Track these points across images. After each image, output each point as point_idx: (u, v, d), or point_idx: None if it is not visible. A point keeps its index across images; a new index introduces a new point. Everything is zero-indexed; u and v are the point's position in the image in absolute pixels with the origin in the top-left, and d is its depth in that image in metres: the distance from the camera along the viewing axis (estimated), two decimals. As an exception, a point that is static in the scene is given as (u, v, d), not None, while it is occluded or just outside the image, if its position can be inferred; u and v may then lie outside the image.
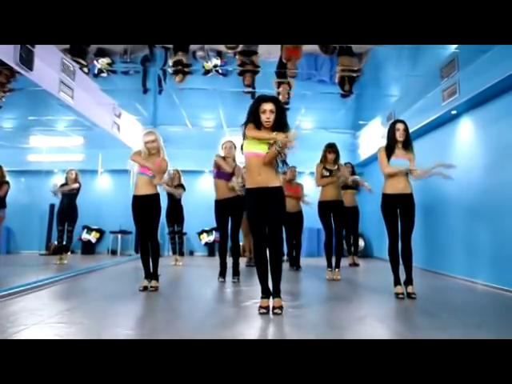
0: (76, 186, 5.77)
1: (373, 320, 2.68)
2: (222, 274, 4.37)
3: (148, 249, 3.66)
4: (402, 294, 3.33)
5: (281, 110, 2.75)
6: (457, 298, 3.66)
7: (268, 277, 2.81)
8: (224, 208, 4.27)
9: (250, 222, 2.87)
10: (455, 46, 4.46)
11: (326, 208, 4.66)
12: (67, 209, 5.73)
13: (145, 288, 3.56)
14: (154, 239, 3.70)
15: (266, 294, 2.79)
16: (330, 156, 4.63)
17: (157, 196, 3.66)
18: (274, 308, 2.72)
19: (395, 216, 3.42)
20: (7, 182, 4.98)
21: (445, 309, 3.04)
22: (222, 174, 4.29)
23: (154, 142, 3.62)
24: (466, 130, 4.70)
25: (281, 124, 2.73)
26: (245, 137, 2.78)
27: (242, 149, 2.82)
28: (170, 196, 5.92)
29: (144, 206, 3.60)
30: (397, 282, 3.40)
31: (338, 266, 4.55)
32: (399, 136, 3.47)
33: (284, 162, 2.79)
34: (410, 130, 5.56)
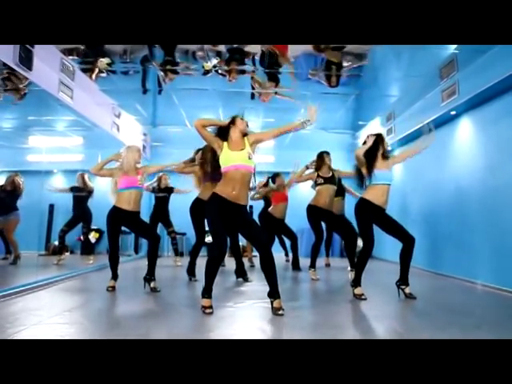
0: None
1: (372, 320, 2.68)
2: (193, 273, 4.41)
3: (117, 253, 3.78)
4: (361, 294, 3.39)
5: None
6: (456, 299, 3.66)
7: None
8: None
9: (214, 226, 2.81)
10: (454, 46, 4.47)
11: (316, 213, 4.66)
12: (83, 212, 5.79)
13: (112, 288, 3.63)
14: (156, 244, 3.74)
15: (209, 294, 2.81)
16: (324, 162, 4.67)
17: (140, 212, 3.82)
18: (277, 309, 2.71)
19: (371, 223, 3.44)
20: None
21: (443, 309, 3.04)
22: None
23: (139, 155, 3.85)
24: (466, 130, 4.70)
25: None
26: (220, 149, 2.89)
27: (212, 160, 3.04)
28: (158, 199, 6.02)
29: (129, 222, 3.74)
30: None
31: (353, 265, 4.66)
32: (387, 145, 3.57)
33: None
34: (410, 131, 5.64)
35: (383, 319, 2.73)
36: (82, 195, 5.78)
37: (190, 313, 2.80)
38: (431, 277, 4.95)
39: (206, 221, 4.26)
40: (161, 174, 6.04)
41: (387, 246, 6.09)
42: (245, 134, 2.92)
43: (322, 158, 4.73)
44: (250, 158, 2.80)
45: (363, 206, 3.42)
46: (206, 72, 7.09)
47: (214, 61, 6.92)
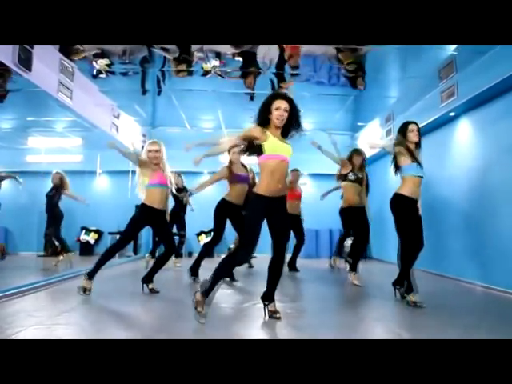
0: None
1: (371, 321, 2.68)
2: (196, 273, 4.38)
3: (117, 252, 3.68)
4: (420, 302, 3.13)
5: (296, 111, 2.59)
6: (456, 300, 3.67)
7: None
8: (231, 211, 4.27)
9: (252, 228, 2.53)
10: (453, 47, 4.49)
11: (350, 214, 4.59)
12: (53, 212, 5.66)
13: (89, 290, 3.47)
14: (174, 245, 3.72)
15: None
16: (357, 160, 4.62)
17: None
18: (273, 312, 2.65)
19: (416, 219, 3.25)
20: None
21: (443, 310, 3.05)
22: (242, 178, 4.28)
23: (158, 152, 3.56)
24: (464, 131, 4.72)
25: (295, 123, 2.60)
26: (264, 138, 2.53)
27: (247, 150, 2.64)
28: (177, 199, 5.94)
29: (157, 221, 3.59)
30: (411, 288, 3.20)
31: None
32: (414, 136, 3.31)
33: None
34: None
35: (382, 320, 2.73)
36: (52, 195, 5.63)
37: (190, 314, 2.79)
38: (431, 278, 4.95)
39: (227, 223, 4.33)
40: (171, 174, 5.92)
41: (389, 247, 6.09)
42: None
43: (349, 155, 4.72)
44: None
45: (401, 203, 3.28)
46: (206, 73, 7.10)
47: (214, 62, 6.94)
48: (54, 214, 5.60)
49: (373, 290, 4.09)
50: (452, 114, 4.74)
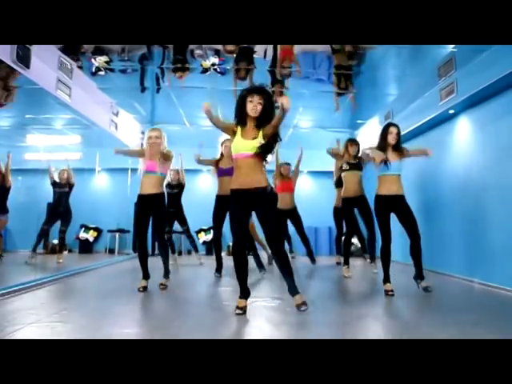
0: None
1: (371, 319, 2.69)
2: (218, 269, 4.49)
3: (146, 249, 3.62)
4: (391, 291, 3.42)
5: (269, 101, 2.68)
6: (455, 297, 3.68)
7: (247, 277, 2.77)
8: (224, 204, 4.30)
9: (233, 222, 2.74)
10: (453, 45, 4.47)
11: (349, 204, 4.74)
12: (63, 209, 5.70)
13: (144, 288, 3.52)
14: (162, 238, 3.70)
15: (244, 294, 2.74)
16: (352, 149, 4.73)
17: (163, 195, 3.62)
18: (299, 306, 2.62)
19: (388, 217, 3.53)
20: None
21: (443, 308, 3.05)
22: (226, 171, 4.34)
23: (158, 138, 3.53)
24: (464, 129, 4.71)
25: (268, 116, 2.67)
26: (232, 139, 2.75)
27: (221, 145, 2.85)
28: (170, 196, 5.89)
29: (150, 206, 3.54)
30: (387, 279, 3.50)
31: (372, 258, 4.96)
32: (392, 139, 3.53)
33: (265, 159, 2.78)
34: (408, 130, 5.65)
35: (381, 318, 2.74)
36: (64, 191, 5.69)
37: (191, 312, 2.80)
38: (429, 275, 4.96)
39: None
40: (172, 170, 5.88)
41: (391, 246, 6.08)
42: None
43: (345, 145, 4.86)
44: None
45: (375, 202, 3.62)
46: (205, 70, 7.09)
47: (213, 59, 6.93)
48: (69, 211, 5.71)
49: (374, 288, 4.10)
50: (451, 111, 4.73)
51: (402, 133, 5.80)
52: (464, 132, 4.71)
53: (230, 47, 6.27)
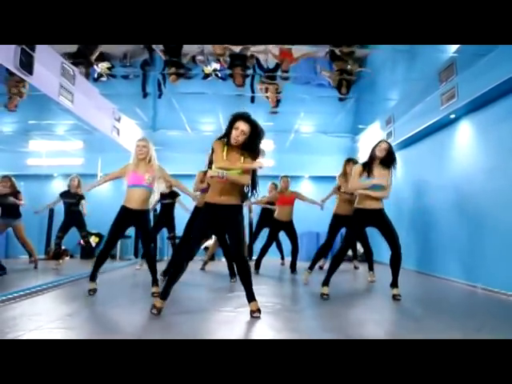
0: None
1: (371, 324, 2.67)
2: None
3: (108, 255, 3.69)
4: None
5: (255, 135, 2.70)
6: (451, 301, 3.67)
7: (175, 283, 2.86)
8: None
9: (195, 231, 2.88)
10: (454, 50, 4.49)
11: (338, 222, 4.81)
12: (75, 217, 5.69)
13: (93, 291, 3.57)
14: (149, 250, 3.70)
15: (163, 296, 2.84)
16: (350, 168, 4.66)
17: (148, 212, 3.70)
18: (253, 312, 2.73)
19: (362, 229, 3.74)
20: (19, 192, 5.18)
21: (443, 312, 3.04)
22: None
23: (145, 147, 3.57)
24: (465, 133, 4.71)
25: (250, 148, 2.72)
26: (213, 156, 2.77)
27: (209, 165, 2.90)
28: (163, 205, 5.89)
29: (133, 221, 3.61)
30: (326, 283, 3.58)
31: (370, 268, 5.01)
32: (378, 151, 3.51)
33: (253, 190, 2.83)
34: (409, 134, 5.66)
35: (382, 323, 2.72)
36: (72, 201, 5.64)
37: (190, 317, 2.79)
38: (426, 279, 4.95)
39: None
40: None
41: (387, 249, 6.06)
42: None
43: (344, 165, 4.91)
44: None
45: (353, 215, 3.66)
46: (206, 76, 7.12)
47: (214, 65, 6.96)
48: (82, 218, 5.74)
49: (372, 290, 4.08)
50: (452, 116, 4.74)
51: (403, 138, 5.87)
52: (465, 136, 4.71)
53: (219, 50, 6.23)
